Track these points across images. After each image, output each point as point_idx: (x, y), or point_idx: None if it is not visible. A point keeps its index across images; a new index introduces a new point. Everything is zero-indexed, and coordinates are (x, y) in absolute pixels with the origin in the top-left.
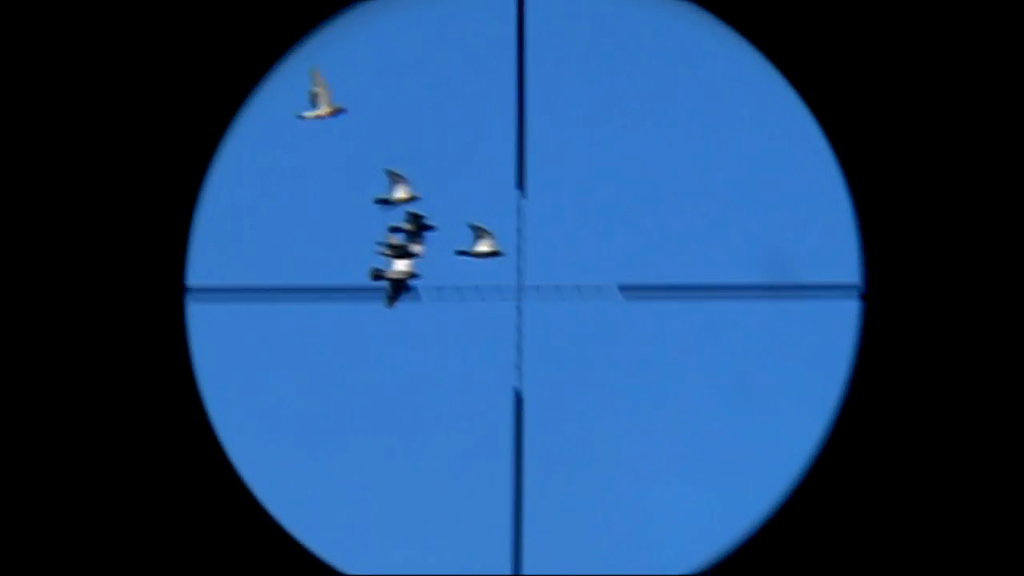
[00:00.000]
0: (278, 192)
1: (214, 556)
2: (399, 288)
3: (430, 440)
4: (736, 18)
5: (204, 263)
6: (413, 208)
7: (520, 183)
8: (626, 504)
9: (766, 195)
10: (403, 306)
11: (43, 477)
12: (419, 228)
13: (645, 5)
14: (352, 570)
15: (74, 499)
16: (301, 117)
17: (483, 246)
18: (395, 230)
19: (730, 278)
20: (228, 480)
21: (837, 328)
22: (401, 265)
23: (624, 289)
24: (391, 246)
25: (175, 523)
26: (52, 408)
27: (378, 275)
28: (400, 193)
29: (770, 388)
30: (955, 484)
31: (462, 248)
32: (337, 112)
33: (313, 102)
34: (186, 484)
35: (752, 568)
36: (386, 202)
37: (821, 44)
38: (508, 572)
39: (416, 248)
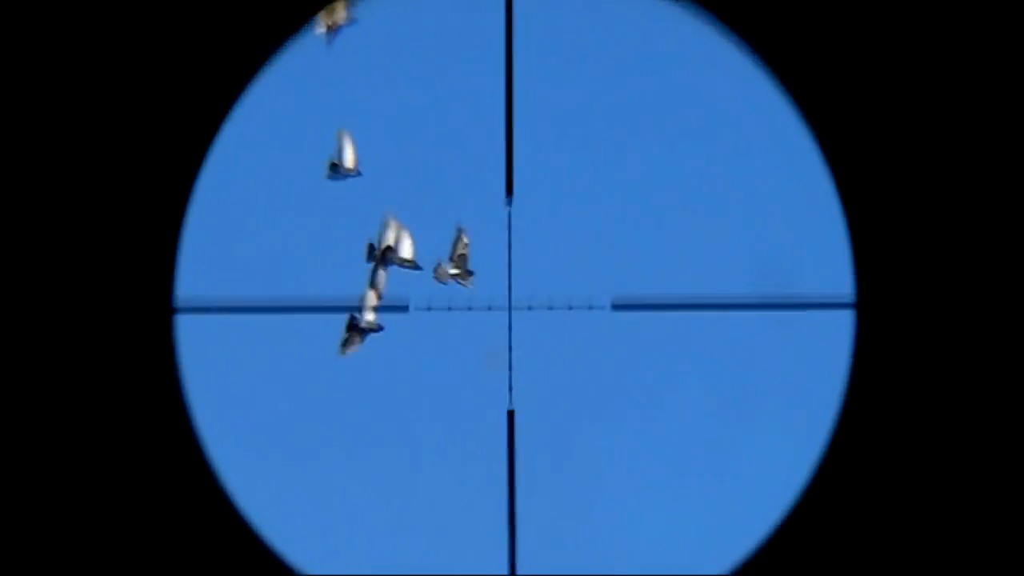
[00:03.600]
0: (266, 204)
1: (203, 573)
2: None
3: (422, 457)
4: (731, 19)
5: (192, 279)
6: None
7: (509, 194)
8: (621, 519)
9: (759, 207)
10: (396, 322)
11: (31, 492)
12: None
13: (637, 7)
14: None
15: (64, 513)
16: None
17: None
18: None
19: (723, 292)
20: (216, 496)
21: (831, 341)
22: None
23: (616, 304)
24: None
25: (164, 540)
26: (41, 423)
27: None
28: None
29: (765, 401)
30: (956, 498)
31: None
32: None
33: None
34: (175, 501)
35: None
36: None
37: (817, 52)
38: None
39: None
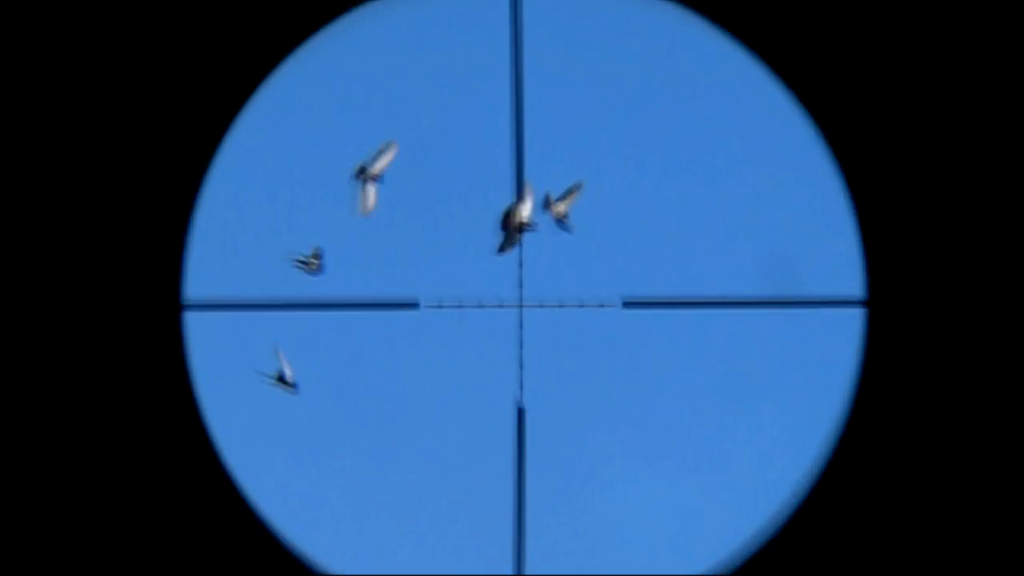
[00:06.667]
0: (275, 202)
1: (215, 568)
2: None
3: (432, 453)
4: (736, 25)
5: (201, 277)
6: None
7: (519, 194)
8: (629, 514)
9: (769, 206)
10: (404, 319)
11: (40, 488)
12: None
13: (644, 10)
14: None
15: (74, 510)
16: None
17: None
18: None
19: (733, 290)
20: (227, 491)
21: (841, 340)
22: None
23: (627, 303)
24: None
25: (174, 533)
26: (51, 420)
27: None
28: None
29: (774, 399)
30: (962, 498)
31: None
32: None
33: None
34: (186, 497)
35: None
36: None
37: (823, 52)
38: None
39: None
